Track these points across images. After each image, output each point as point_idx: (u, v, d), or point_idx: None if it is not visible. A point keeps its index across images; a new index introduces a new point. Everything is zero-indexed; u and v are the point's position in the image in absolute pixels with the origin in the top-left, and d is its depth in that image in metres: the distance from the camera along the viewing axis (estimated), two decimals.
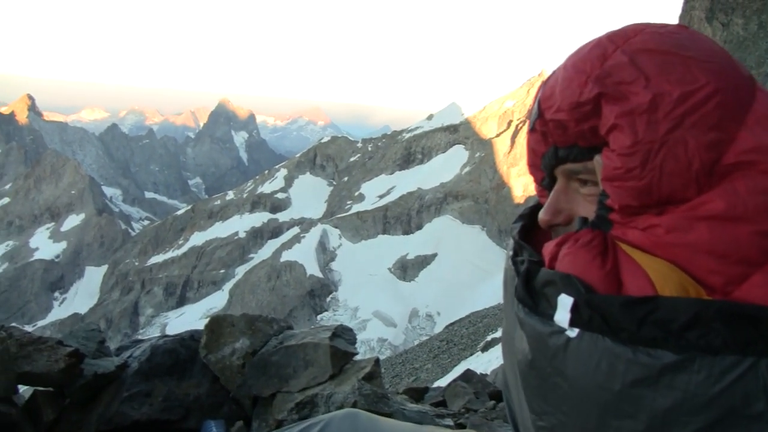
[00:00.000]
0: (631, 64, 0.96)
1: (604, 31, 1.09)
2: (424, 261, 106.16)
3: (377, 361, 4.67)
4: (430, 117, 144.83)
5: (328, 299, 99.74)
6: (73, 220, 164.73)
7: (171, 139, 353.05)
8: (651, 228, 0.95)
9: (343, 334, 4.86)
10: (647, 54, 0.97)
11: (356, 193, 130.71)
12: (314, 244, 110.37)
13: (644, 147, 0.92)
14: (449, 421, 4.98)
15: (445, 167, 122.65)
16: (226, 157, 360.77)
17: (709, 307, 0.83)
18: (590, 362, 0.89)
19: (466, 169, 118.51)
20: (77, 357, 4.18)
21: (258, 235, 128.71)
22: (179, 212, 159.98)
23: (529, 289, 1.04)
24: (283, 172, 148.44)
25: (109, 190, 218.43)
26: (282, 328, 5.04)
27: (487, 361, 25.42)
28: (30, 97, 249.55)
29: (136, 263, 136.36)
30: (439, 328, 64.79)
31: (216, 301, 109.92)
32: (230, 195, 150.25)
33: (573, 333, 0.92)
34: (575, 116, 1.02)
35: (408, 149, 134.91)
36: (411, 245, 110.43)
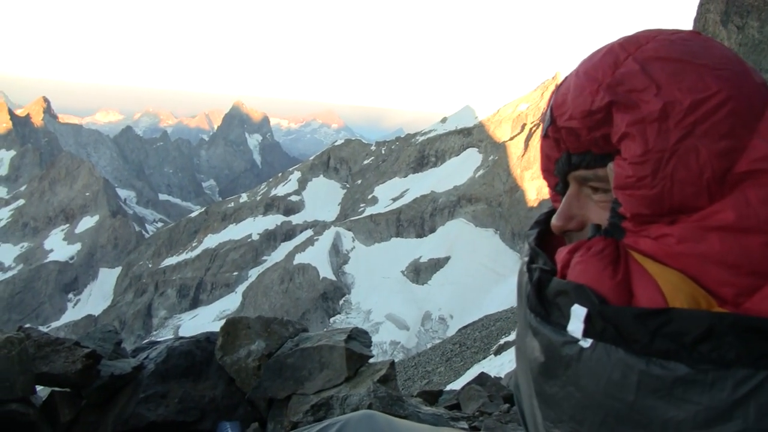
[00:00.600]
0: (643, 72, 0.96)
1: (618, 34, 1.08)
2: (437, 264, 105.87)
3: (392, 363, 4.67)
4: (443, 120, 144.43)
5: (341, 302, 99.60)
6: (87, 222, 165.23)
7: (185, 142, 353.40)
8: (663, 237, 0.95)
9: (359, 336, 4.87)
10: (659, 62, 0.97)
11: (369, 196, 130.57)
12: (327, 247, 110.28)
13: (655, 156, 0.92)
14: (464, 424, 4.98)
15: (458, 170, 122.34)
16: (239, 160, 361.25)
17: (723, 320, 0.83)
18: (603, 372, 0.90)
19: (480, 173, 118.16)
20: (94, 358, 4.21)
21: (271, 238, 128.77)
22: (193, 214, 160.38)
23: (541, 298, 1.04)
24: (297, 174, 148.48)
25: (123, 192, 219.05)
26: (297, 330, 5.06)
27: (500, 365, 25.35)
28: (45, 100, 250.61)
29: (150, 265, 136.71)
30: (451, 332, 64.61)
31: (229, 304, 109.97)
32: (244, 197, 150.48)
33: (586, 343, 0.92)
34: (587, 124, 1.03)
35: (421, 152, 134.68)
36: (424, 248, 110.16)
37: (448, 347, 39.43)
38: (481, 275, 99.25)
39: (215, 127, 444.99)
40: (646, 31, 1.05)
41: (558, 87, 1.14)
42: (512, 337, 32.34)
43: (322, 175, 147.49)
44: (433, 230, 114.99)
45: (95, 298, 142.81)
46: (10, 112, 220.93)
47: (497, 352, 29.90)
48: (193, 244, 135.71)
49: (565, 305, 0.97)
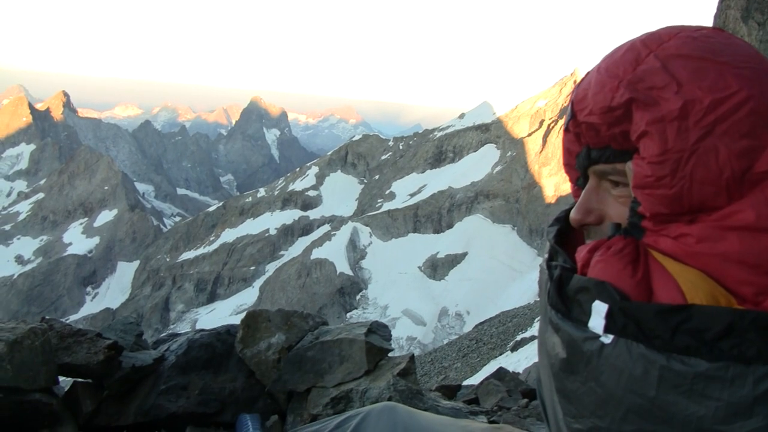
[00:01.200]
0: (664, 70, 0.96)
1: (638, 30, 1.08)
2: (454, 260, 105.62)
3: (412, 357, 4.68)
4: (461, 116, 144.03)
5: (358, 297, 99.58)
6: (105, 216, 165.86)
7: (203, 136, 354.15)
8: (682, 237, 0.95)
9: (378, 330, 4.88)
10: (680, 59, 0.96)
11: (387, 192, 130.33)
12: (345, 242, 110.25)
13: (674, 155, 0.92)
14: (483, 419, 4.97)
15: (476, 166, 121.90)
16: (257, 155, 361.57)
17: (744, 317, 0.83)
18: (624, 368, 0.89)
19: (498, 169, 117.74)
20: (116, 349, 4.24)
21: (289, 233, 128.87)
22: (211, 209, 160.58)
23: (562, 294, 1.04)
24: (315, 169, 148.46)
25: (141, 187, 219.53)
26: (317, 323, 5.07)
27: (516, 361, 25.27)
28: (65, 94, 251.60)
29: (168, 259, 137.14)
30: (468, 328, 64.51)
31: (246, 298, 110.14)
32: (261, 192, 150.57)
33: (607, 339, 0.92)
34: (607, 120, 1.03)
35: (439, 148, 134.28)
36: (441, 244, 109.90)
37: (464, 343, 39.37)
38: (498, 271, 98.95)
39: (233, 122, 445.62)
40: (669, 28, 1.05)
41: (580, 82, 1.14)
42: (529, 333, 32.31)
43: (339, 171, 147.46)
44: (450, 226, 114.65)
45: (113, 292, 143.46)
46: (31, 107, 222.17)
47: (514, 349, 29.83)
48: (211, 239, 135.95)
49: (586, 302, 0.98)
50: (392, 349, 4.76)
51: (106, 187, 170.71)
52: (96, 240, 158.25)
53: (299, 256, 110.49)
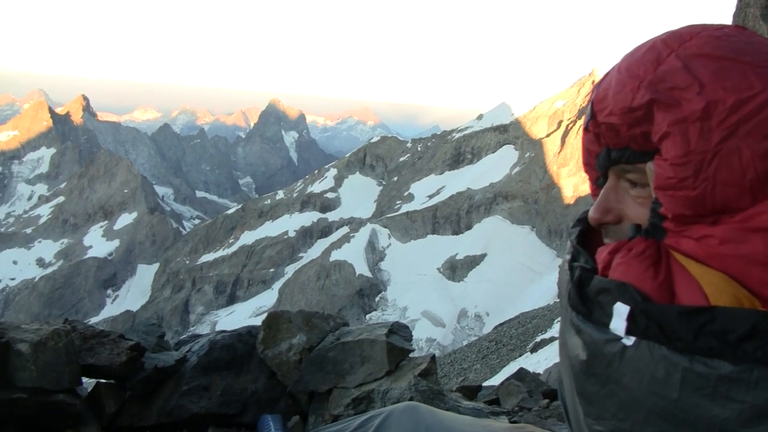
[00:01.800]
0: (685, 70, 0.95)
1: (657, 30, 1.05)
2: (473, 261, 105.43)
3: (433, 357, 4.68)
4: (479, 117, 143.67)
5: (377, 299, 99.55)
6: (125, 219, 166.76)
7: (222, 139, 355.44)
8: (705, 238, 0.94)
9: (399, 330, 4.89)
10: (702, 59, 0.95)
11: (405, 193, 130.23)
12: (363, 244, 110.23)
13: (697, 157, 0.91)
14: (504, 419, 4.96)
15: (494, 167, 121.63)
16: (276, 157, 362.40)
17: None
18: (647, 370, 0.89)
19: (516, 170, 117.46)
20: (138, 351, 4.27)
21: (308, 235, 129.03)
22: (230, 211, 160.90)
23: (583, 296, 1.04)
24: (333, 171, 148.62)
25: (161, 189, 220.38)
26: (338, 324, 5.08)
27: (536, 362, 25.20)
28: (85, 98, 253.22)
29: (187, 261, 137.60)
30: (487, 329, 64.41)
31: (266, 300, 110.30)
32: (280, 194, 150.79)
33: (629, 341, 0.92)
34: (627, 121, 1.02)
35: (457, 149, 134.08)
36: (460, 245, 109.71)
37: (484, 344, 39.31)
38: (517, 272, 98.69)
39: (252, 125, 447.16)
40: (690, 27, 1.04)
41: (600, 81, 1.13)
42: (549, 334, 32.23)
43: (358, 172, 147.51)
44: (469, 227, 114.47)
45: (133, 294, 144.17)
46: (51, 111, 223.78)
47: (533, 350, 29.77)
48: (230, 241, 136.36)
49: (607, 303, 0.97)
50: (413, 350, 4.77)
51: (125, 191, 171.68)
52: (116, 243, 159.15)
53: (318, 258, 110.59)
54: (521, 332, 37.58)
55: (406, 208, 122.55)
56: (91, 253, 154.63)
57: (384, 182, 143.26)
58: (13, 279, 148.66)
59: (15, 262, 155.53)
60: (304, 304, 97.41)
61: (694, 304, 0.89)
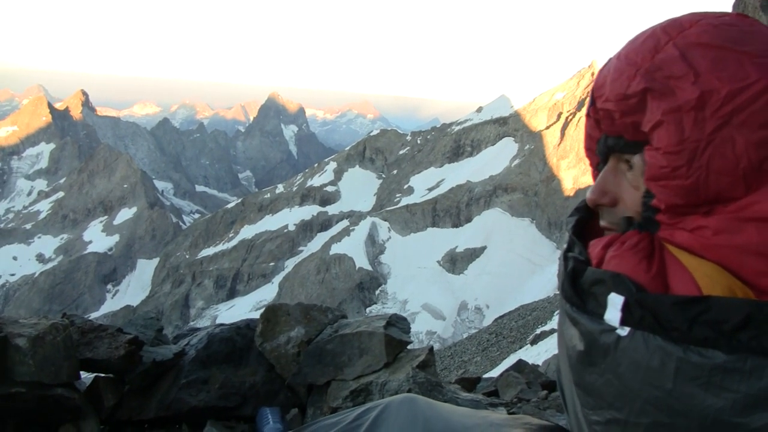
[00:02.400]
0: (682, 59, 0.95)
1: (656, 20, 1.00)
2: (473, 254, 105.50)
3: (431, 349, 4.67)
4: (479, 109, 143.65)
5: (377, 292, 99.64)
6: (125, 214, 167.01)
7: (221, 133, 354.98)
8: (699, 229, 0.94)
9: (398, 323, 4.88)
10: (700, 48, 0.95)
11: (405, 186, 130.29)
12: (363, 237, 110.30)
13: (691, 145, 0.92)
14: (502, 410, 4.97)
15: (494, 160, 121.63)
16: (276, 151, 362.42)
17: (762, 308, 0.83)
18: (641, 360, 0.89)
19: (516, 162, 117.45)
20: (137, 344, 4.27)
21: (307, 228, 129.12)
22: (229, 205, 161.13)
23: (576, 287, 1.04)
24: (333, 165, 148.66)
25: (160, 184, 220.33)
26: (337, 317, 5.08)
27: (536, 354, 25.21)
28: (84, 93, 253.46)
29: (187, 256, 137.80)
30: (488, 321, 64.50)
31: (266, 294, 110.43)
32: (280, 188, 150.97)
33: (624, 331, 0.92)
34: (621, 108, 1.02)
35: (457, 142, 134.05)
36: (460, 238, 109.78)
37: (484, 337, 39.35)
38: (518, 265, 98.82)
39: (251, 119, 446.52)
40: (691, 14, 1.04)
41: (602, 67, 1.14)
42: (549, 326, 32.27)
43: (357, 166, 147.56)
44: (469, 220, 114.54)
45: (133, 289, 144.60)
46: (50, 106, 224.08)
47: (534, 342, 29.80)
48: (230, 235, 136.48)
49: (602, 294, 0.98)
50: (411, 342, 4.76)
51: (125, 185, 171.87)
52: (116, 238, 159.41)
53: (318, 251, 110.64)
54: (521, 324, 37.61)
55: (406, 201, 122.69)
56: (91, 249, 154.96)
57: (384, 175, 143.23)
58: (13, 275, 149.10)
59: (15, 258, 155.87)
60: (305, 298, 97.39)
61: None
